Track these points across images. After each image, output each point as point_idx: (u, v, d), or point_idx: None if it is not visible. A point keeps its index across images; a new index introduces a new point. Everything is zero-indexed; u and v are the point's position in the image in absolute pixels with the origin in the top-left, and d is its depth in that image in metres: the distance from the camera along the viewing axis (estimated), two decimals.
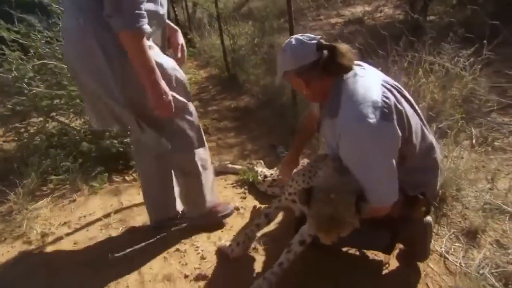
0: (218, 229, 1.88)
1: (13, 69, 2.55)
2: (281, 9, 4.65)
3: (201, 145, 1.71)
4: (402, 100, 1.24)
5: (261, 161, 2.45)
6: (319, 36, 1.29)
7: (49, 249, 1.82)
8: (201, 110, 3.74)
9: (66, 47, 1.48)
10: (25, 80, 2.57)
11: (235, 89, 4.11)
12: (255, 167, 2.29)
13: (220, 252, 1.72)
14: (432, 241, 1.68)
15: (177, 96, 1.55)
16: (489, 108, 2.63)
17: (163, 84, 1.41)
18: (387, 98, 1.16)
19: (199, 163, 1.70)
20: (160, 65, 1.44)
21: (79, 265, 1.71)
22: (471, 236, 1.70)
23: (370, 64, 1.38)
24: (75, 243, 1.85)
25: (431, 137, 1.36)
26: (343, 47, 1.25)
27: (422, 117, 1.36)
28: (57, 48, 2.59)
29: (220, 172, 2.44)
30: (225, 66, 4.48)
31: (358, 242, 1.52)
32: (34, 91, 2.53)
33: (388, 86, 1.23)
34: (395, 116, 1.15)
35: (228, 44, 4.41)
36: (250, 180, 2.23)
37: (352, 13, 6.13)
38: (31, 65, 2.59)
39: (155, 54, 1.46)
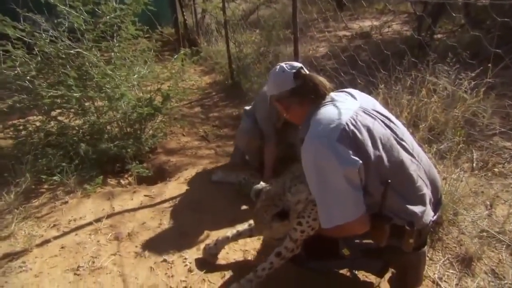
0: None
1: (17, 65, 2.54)
2: (289, 19, 4.65)
3: None
4: (372, 124, 1.23)
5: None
6: (300, 65, 1.38)
7: (34, 252, 1.79)
8: (202, 116, 3.73)
9: None
10: (27, 77, 2.57)
11: (238, 96, 4.09)
12: (249, 182, 2.26)
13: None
14: (426, 266, 1.64)
15: None
16: (492, 131, 2.59)
17: None
18: (351, 124, 1.18)
19: None
20: None
21: (63, 270, 1.69)
22: (466, 263, 1.66)
23: (363, 89, 1.37)
24: (62, 247, 1.82)
25: (406, 156, 1.26)
26: (317, 77, 1.35)
27: (399, 134, 1.29)
28: (61, 47, 2.59)
29: (216, 182, 2.42)
30: (229, 73, 4.48)
31: (351, 265, 1.49)
32: (37, 89, 2.53)
33: (360, 116, 1.22)
34: (350, 142, 1.15)
35: (234, 52, 4.42)
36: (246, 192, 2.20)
37: (360, 26, 6.12)
38: (34, 63, 2.59)
39: None
